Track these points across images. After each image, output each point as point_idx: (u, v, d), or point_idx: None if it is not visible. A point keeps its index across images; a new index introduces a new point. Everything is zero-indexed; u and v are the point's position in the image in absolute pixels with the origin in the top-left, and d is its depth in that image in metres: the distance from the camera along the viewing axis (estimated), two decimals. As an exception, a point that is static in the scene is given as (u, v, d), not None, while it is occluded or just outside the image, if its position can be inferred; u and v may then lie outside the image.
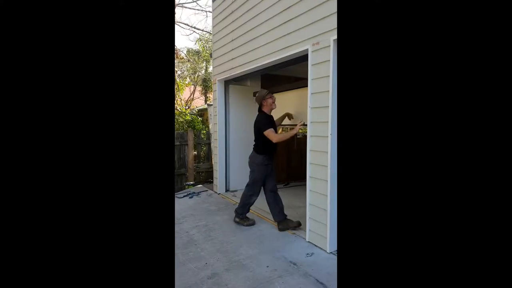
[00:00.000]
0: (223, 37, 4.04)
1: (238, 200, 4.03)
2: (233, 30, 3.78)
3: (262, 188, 3.00)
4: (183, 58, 8.79)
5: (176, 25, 7.28)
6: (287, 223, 2.87)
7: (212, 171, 5.55)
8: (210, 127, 5.69)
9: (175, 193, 4.48)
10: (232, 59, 3.82)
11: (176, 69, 7.24)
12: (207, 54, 13.99)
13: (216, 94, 4.28)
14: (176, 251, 2.61)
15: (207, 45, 14.58)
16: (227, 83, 4.26)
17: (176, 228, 3.08)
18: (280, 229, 2.87)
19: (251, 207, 3.15)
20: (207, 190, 4.65)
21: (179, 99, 8.11)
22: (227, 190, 4.44)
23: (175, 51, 7.10)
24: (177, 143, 5.10)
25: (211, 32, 4.88)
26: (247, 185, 3.03)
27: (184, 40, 32.66)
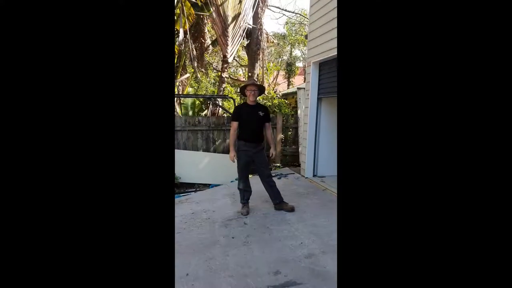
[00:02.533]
0: (321, 17, 3.88)
1: (327, 186, 4.00)
2: (333, 8, 3.59)
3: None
4: (272, 42, 8.89)
5: (267, 9, 7.34)
6: (281, 205, 3.15)
7: (297, 155, 5.58)
8: (298, 112, 5.67)
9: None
10: (331, 39, 3.65)
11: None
12: (293, 38, 13.88)
13: (310, 77, 4.20)
14: (271, 227, 2.74)
15: (293, 28, 14.43)
16: (322, 65, 4.12)
17: (269, 206, 3.22)
18: (276, 209, 3.17)
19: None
20: (293, 173, 4.71)
21: (266, 84, 8.29)
22: (314, 175, 4.40)
23: (266, 35, 7.22)
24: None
25: (302, 14, 4.72)
26: None
27: (272, 24, 32.84)
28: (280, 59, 14.86)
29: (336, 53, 3.55)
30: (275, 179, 4.19)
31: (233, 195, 3.77)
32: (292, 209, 3.09)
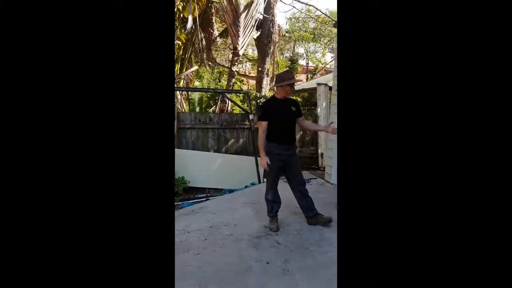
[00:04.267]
0: None
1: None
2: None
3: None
4: (284, 35, 8.41)
5: (278, 2, 6.82)
6: (317, 219, 2.66)
7: (316, 157, 5.12)
8: (318, 110, 5.20)
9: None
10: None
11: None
12: (297, 34, 13.42)
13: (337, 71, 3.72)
14: (311, 248, 2.27)
15: (298, 24, 13.99)
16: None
17: (300, 220, 2.75)
18: (309, 223, 2.69)
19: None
20: (316, 178, 4.25)
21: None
22: (341, 181, 3.94)
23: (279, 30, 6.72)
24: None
25: (314, 7, 4.25)
26: None
27: (281, 18, 32.28)
28: (283, 56, 14.48)
29: None
30: (286, 185, 3.73)
31: (254, 203, 3.30)
32: (329, 221, 2.62)
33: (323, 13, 10.79)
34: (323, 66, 15.26)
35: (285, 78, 2.59)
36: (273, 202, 2.67)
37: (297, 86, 8.89)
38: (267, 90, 7.09)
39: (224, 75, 9.69)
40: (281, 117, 2.54)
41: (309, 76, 14.39)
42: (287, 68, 11.62)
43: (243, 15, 5.89)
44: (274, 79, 2.84)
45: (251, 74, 9.44)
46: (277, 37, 6.95)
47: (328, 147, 4.10)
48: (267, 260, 2.13)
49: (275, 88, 2.63)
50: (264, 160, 2.52)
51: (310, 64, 15.61)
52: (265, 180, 4.70)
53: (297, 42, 14.11)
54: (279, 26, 7.63)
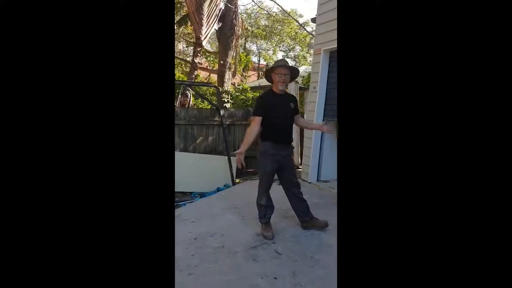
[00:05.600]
0: (338, -3, 3.36)
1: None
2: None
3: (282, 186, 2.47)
4: (247, 29, 8.11)
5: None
6: (313, 223, 2.49)
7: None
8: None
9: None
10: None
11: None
12: (249, 31, 13.23)
13: (319, 66, 3.63)
14: (315, 257, 2.10)
15: (249, 21, 13.82)
16: (333, 54, 3.59)
17: (293, 224, 2.57)
18: (304, 228, 2.51)
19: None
20: (291, 177, 4.12)
21: (239, 75, 7.51)
22: (318, 180, 3.89)
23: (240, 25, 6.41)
24: (247, 122, 4.56)
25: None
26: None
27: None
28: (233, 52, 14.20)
29: None
30: (275, 184, 3.58)
31: (237, 208, 3.02)
32: (326, 225, 2.48)
33: (283, 10, 10.80)
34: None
35: (275, 65, 2.36)
36: (266, 207, 2.43)
37: (253, 83, 8.72)
38: (229, 84, 6.77)
39: (179, 66, 9.01)
40: (279, 115, 2.30)
41: (260, 74, 14.41)
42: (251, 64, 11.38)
43: (207, 2, 5.46)
44: (264, 73, 2.53)
45: (212, 68, 8.91)
46: (240, 30, 6.65)
47: (306, 146, 4.01)
48: (273, 274, 1.89)
49: (276, 80, 2.33)
50: (240, 156, 2.22)
51: (262, 62, 15.65)
52: (238, 181, 4.42)
53: (248, 38, 13.98)
54: (242, 19, 7.33)
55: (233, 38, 6.60)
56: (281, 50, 16.03)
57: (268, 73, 2.37)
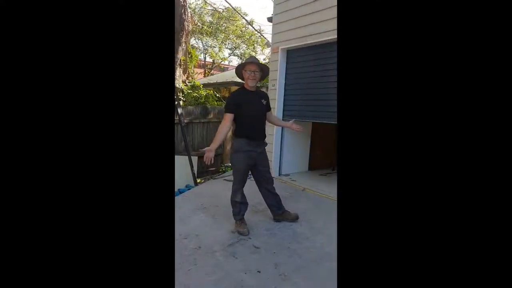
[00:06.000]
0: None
1: (304, 186, 3.69)
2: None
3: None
4: (197, 24, 7.83)
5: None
6: (284, 216, 2.60)
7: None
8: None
9: (224, 176, 3.97)
10: (309, 24, 3.31)
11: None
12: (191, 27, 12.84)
13: (277, 64, 3.75)
14: (292, 247, 2.20)
15: (194, 18, 13.44)
16: (291, 53, 3.75)
17: (265, 218, 2.64)
18: (276, 220, 2.61)
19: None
20: (253, 173, 4.20)
21: (190, 71, 7.26)
22: (280, 174, 4.03)
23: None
24: (214, 119, 4.50)
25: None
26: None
27: None
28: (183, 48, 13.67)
29: (310, 41, 3.27)
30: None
31: (205, 208, 2.97)
32: (296, 218, 2.62)
33: (231, 6, 10.73)
34: (220, 61, 15.33)
35: (245, 61, 2.39)
36: (241, 204, 2.46)
37: (201, 80, 8.56)
38: (180, 82, 6.53)
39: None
40: (251, 110, 2.33)
41: (206, 71, 14.17)
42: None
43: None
44: (235, 69, 2.53)
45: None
46: (190, 26, 6.44)
47: (268, 142, 4.10)
48: (255, 268, 1.93)
49: (247, 76, 2.34)
50: (209, 154, 2.19)
51: (207, 59, 15.39)
52: (200, 181, 4.32)
53: (194, 35, 13.61)
54: (192, 14, 7.10)
55: (183, 34, 6.37)
56: (227, 48, 16.00)
57: (239, 70, 2.39)
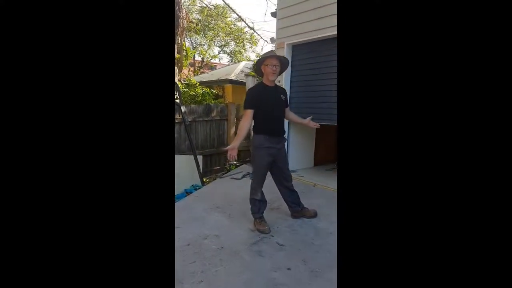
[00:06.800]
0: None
1: (314, 181, 3.67)
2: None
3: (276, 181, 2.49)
4: (192, 22, 7.67)
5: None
6: (303, 212, 2.57)
7: (249, 150, 5.01)
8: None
9: (230, 174, 3.90)
10: (319, 18, 3.29)
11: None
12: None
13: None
14: (316, 243, 2.17)
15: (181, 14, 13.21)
16: (295, 48, 3.72)
17: (282, 215, 2.61)
18: (294, 217, 2.58)
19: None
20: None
21: (185, 70, 7.11)
22: (287, 171, 4.01)
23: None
24: (217, 117, 4.42)
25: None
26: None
27: None
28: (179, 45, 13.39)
29: (316, 36, 3.25)
30: (245, 180, 3.58)
31: (219, 207, 2.91)
32: (315, 214, 2.60)
33: (225, 2, 10.58)
34: (210, 59, 15.16)
35: (265, 56, 2.33)
36: (260, 202, 2.41)
37: (195, 78, 8.42)
38: (175, 80, 6.39)
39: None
40: (270, 106, 2.29)
41: (195, 70, 13.98)
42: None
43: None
44: (253, 66, 2.48)
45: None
46: (185, 23, 6.31)
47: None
48: (284, 266, 1.90)
49: (266, 72, 2.29)
50: (234, 152, 2.19)
51: (196, 57, 15.18)
52: (206, 180, 4.24)
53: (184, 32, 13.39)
54: (187, 11, 6.96)
55: (178, 31, 6.24)
56: (216, 46, 15.82)
57: (258, 66, 2.33)
